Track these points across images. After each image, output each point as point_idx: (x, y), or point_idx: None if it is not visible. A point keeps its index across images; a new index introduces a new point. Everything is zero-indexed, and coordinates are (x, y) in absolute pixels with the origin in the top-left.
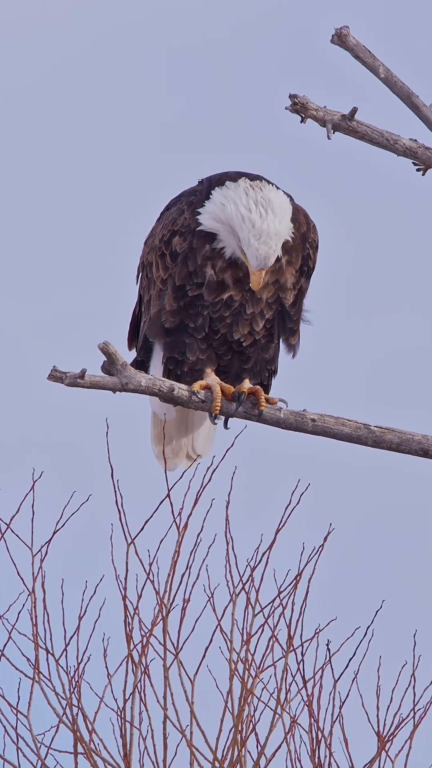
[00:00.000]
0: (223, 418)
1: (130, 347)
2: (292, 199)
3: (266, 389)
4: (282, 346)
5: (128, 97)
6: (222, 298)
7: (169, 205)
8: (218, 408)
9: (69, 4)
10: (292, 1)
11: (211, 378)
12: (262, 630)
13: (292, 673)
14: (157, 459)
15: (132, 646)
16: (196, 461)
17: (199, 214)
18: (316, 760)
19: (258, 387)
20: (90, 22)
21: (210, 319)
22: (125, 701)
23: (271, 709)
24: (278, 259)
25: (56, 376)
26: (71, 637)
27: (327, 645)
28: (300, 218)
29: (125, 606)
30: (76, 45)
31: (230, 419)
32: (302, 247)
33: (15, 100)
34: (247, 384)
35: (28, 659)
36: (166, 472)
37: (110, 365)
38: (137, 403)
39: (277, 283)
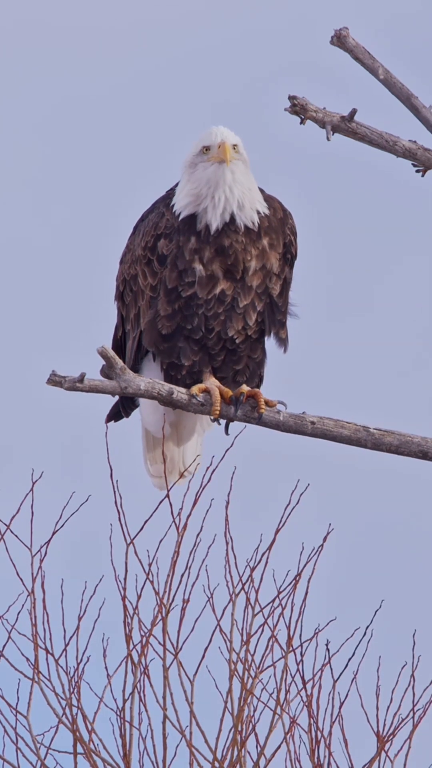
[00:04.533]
0: (223, 422)
1: None
2: (263, 191)
3: None
4: (273, 341)
5: (123, 95)
6: (215, 294)
7: (144, 216)
8: (217, 412)
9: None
10: (292, 2)
11: (210, 381)
12: (262, 630)
13: (291, 674)
14: (151, 479)
15: (131, 647)
16: (187, 478)
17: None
18: (316, 760)
19: (257, 390)
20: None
21: (205, 317)
22: (125, 701)
23: (271, 709)
24: (259, 236)
25: (55, 380)
26: (71, 637)
27: (326, 645)
28: (275, 204)
29: (125, 606)
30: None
31: (230, 424)
32: (282, 231)
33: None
34: (245, 387)
35: (27, 659)
36: (168, 489)
37: (109, 369)
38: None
39: (264, 268)
